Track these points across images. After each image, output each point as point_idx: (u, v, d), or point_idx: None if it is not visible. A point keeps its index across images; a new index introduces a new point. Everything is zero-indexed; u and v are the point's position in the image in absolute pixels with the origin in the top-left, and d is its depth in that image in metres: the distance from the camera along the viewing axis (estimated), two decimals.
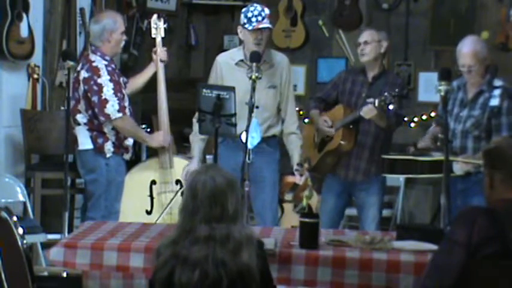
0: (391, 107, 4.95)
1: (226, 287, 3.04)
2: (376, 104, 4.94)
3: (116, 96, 5.45)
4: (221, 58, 5.42)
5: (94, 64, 5.49)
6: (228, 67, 5.31)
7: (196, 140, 5.39)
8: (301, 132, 5.51)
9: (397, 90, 4.97)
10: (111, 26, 5.54)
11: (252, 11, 5.19)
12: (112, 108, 5.43)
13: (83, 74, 5.48)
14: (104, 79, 5.45)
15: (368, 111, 5.00)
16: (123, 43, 5.68)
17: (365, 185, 5.33)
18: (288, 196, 6.27)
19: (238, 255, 3.06)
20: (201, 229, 3.08)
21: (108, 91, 5.44)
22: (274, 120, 5.35)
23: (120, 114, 5.45)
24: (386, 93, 4.93)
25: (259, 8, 5.21)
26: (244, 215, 4.31)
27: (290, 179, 5.80)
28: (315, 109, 5.47)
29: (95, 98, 5.44)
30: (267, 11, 5.22)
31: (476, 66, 4.93)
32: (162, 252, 3.13)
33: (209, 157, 5.51)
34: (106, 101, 5.43)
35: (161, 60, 5.84)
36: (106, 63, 5.52)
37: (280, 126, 5.38)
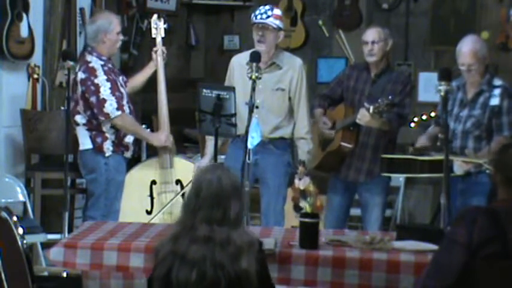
0: (384, 115, 4.95)
1: None
2: (371, 111, 4.92)
3: (114, 95, 5.46)
4: (235, 58, 5.44)
5: (90, 65, 5.50)
6: (239, 67, 5.30)
7: (211, 138, 5.36)
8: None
9: (390, 97, 4.92)
10: (106, 27, 5.55)
11: (259, 9, 5.22)
12: (111, 107, 5.44)
13: (80, 75, 5.49)
14: (101, 79, 5.46)
15: (362, 118, 4.99)
16: (119, 43, 5.69)
17: (369, 185, 5.32)
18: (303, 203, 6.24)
19: (237, 260, 3.05)
20: (201, 228, 3.07)
21: (105, 91, 5.44)
22: (284, 123, 5.31)
23: (119, 112, 5.46)
24: (379, 100, 4.89)
25: (267, 7, 5.22)
26: (245, 215, 4.32)
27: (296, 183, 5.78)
28: (318, 108, 5.45)
29: (93, 99, 5.45)
30: (275, 11, 5.22)
31: (475, 65, 4.92)
32: (163, 248, 3.13)
33: (223, 157, 5.50)
34: (104, 100, 5.44)
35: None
36: (102, 63, 5.53)
37: (291, 129, 5.35)
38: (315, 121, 5.50)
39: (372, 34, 5.23)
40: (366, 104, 4.99)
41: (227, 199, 3.08)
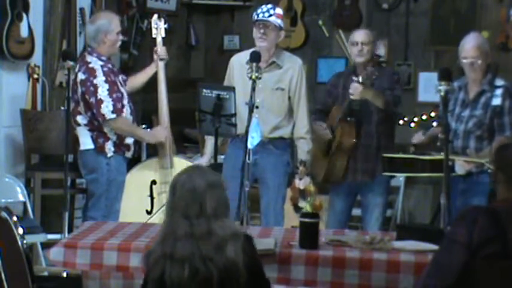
0: (373, 76, 4.99)
1: (217, 283, 3.05)
2: (361, 80, 4.96)
3: (111, 97, 5.45)
4: (235, 57, 5.45)
5: (90, 65, 5.50)
6: (239, 66, 5.31)
7: (210, 137, 5.35)
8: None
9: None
10: (106, 27, 5.54)
11: (262, 7, 5.23)
12: (106, 109, 5.43)
13: (80, 76, 5.49)
14: (99, 80, 5.46)
15: (355, 90, 5.02)
16: (119, 43, 5.68)
17: (371, 186, 5.33)
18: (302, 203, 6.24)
19: (222, 250, 3.06)
20: (180, 225, 3.10)
21: (103, 92, 5.44)
22: (283, 123, 5.32)
23: (114, 116, 5.45)
24: (368, 68, 4.97)
25: (269, 6, 5.25)
26: (245, 215, 4.33)
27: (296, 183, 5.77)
28: (314, 121, 5.45)
29: (92, 99, 5.45)
30: (277, 10, 5.24)
31: (479, 60, 4.92)
32: (152, 253, 3.15)
33: (222, 157, 5.50)
34: (101, 101, 5.44)
35: (161, 59, 5.83)
36: (102, 63, 5.52)
37: (290, 129, 5.36)
38: (312, 128, 5.48)
39: (360, 35, 5.27)
40: (354, 78, 5.03)
41: (201, 194, 3.10)
